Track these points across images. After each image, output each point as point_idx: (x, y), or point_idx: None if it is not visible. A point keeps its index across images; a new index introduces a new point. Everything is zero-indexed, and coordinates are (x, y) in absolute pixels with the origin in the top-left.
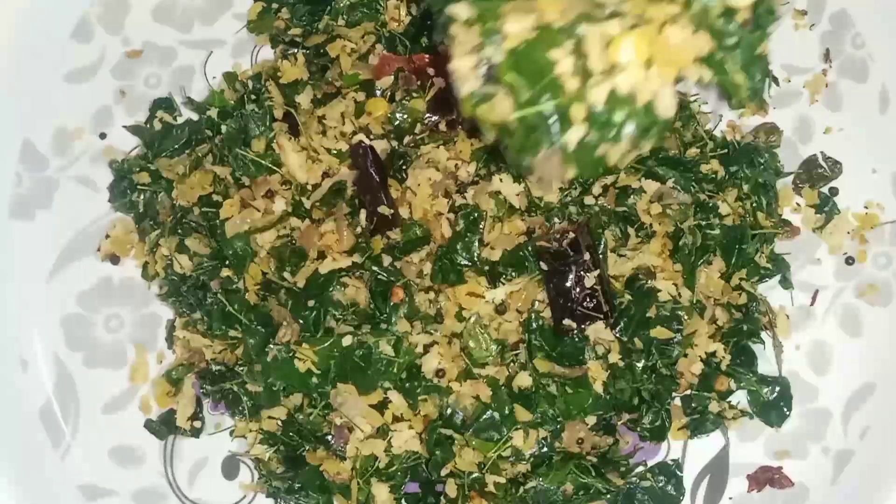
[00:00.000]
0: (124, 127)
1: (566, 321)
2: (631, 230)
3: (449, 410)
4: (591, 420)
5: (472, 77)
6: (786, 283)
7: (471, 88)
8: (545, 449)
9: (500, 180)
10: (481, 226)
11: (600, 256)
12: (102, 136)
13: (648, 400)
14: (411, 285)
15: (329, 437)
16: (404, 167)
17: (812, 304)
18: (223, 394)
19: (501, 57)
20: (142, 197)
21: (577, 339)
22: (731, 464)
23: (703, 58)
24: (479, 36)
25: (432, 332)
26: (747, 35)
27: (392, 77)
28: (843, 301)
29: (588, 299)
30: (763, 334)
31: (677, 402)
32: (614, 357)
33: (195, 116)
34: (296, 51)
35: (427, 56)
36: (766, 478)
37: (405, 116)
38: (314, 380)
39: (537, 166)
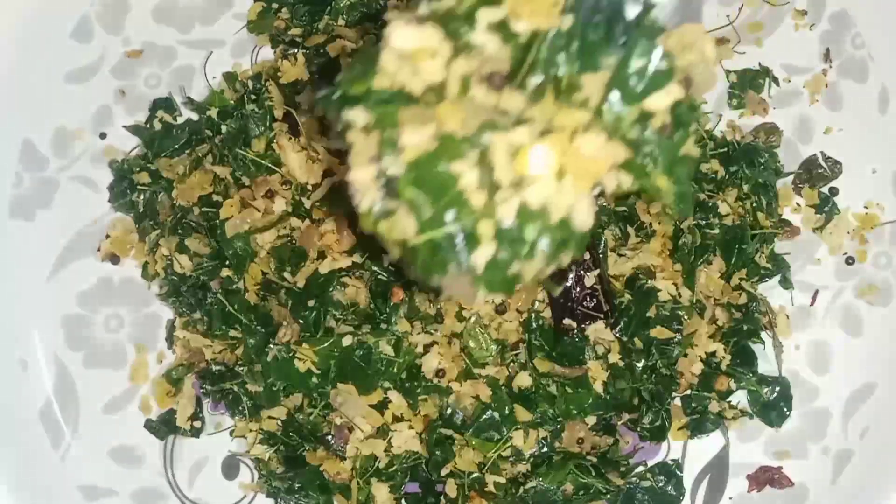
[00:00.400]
0: (124, 127)
1: (566, 320)
2: (631, 229)
3: (449, 410)
4: (591, 420)
5: (373, 189)
6: (786, 283)
7: (371, 202)
8: (545, 449)
9: None
10: None
11: (600, 256)
12: (102, 135)
13: (648, 400)
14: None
15: (329, 437)
16: None
17: (812, 304)
18: (223, 394)
19: (401, 170)
20: (142, 197)
21: (577, 339)
22: (730, 464)
23: (620, 164)
24: (377, 146)
25: (432, 332)
26: (666, 140)
27: None
28: (843, 301)
29: (588, 299)
30: (763, 334)
31: (677, 402)
32: (614, 357)
33: (195, 116)
34: (296, 51)
35: None
36: (765, 478)
37: None
38: (314, 380)
39: (446, 287)
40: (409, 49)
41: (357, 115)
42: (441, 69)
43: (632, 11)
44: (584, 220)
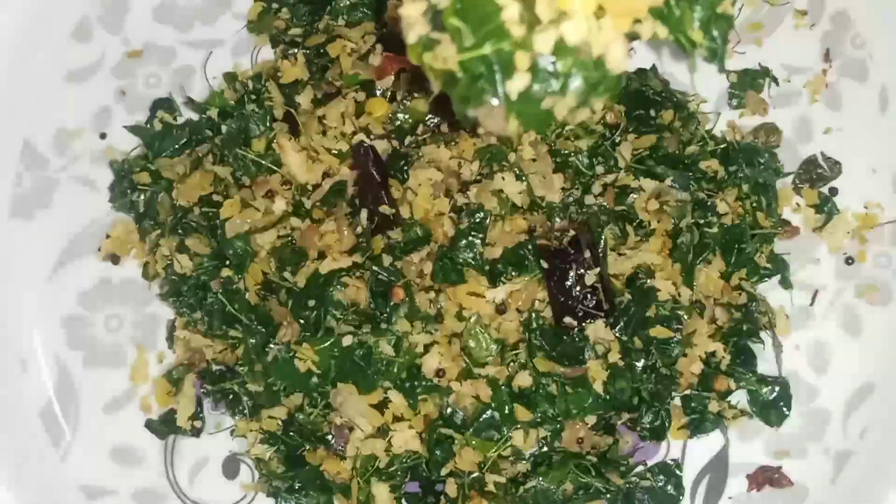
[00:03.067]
0: (125, 127)
1: (567, 318)
2: (630, 228)
3: (449, 410)
4: (591, 420)
5: (421, 23)
6: (785, 283)
7: (418, 35)
8: (545, 448)
9: (503, 178)
10: (487, 221)
11: (600, 255)
12: (103, 135)
13: (648, 399)
14: (412, 285)
15: (329, 437)
16: (405, 167)
17: (812, 303)
18: (223, 393)
19: (447, 2)
20: (142, 197)
21: (577, 339)
22: (730, 463)
23: (658, 12)
24: None
25: (432, 331)
26: None
27: (393, 77)
28: (843, 301)
29: (588, 297)
30: (763, 334)
31: (677, 401)
32: (614, 356)
33: (195, 116)
34: (296, 51)
35: None
36: (765, 477)
37: (406, 117)
38: (314, 380)
39: (482, 118)
40: None
41: None
42: None
43: None
44: (618, 61)
